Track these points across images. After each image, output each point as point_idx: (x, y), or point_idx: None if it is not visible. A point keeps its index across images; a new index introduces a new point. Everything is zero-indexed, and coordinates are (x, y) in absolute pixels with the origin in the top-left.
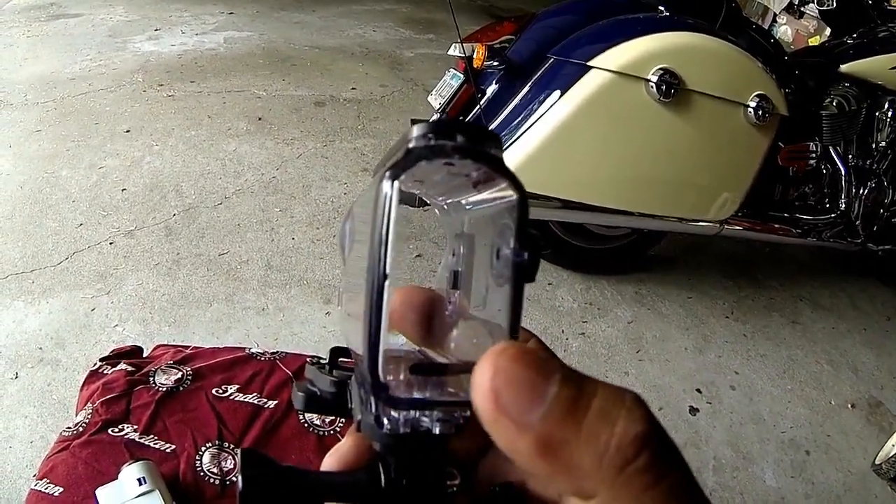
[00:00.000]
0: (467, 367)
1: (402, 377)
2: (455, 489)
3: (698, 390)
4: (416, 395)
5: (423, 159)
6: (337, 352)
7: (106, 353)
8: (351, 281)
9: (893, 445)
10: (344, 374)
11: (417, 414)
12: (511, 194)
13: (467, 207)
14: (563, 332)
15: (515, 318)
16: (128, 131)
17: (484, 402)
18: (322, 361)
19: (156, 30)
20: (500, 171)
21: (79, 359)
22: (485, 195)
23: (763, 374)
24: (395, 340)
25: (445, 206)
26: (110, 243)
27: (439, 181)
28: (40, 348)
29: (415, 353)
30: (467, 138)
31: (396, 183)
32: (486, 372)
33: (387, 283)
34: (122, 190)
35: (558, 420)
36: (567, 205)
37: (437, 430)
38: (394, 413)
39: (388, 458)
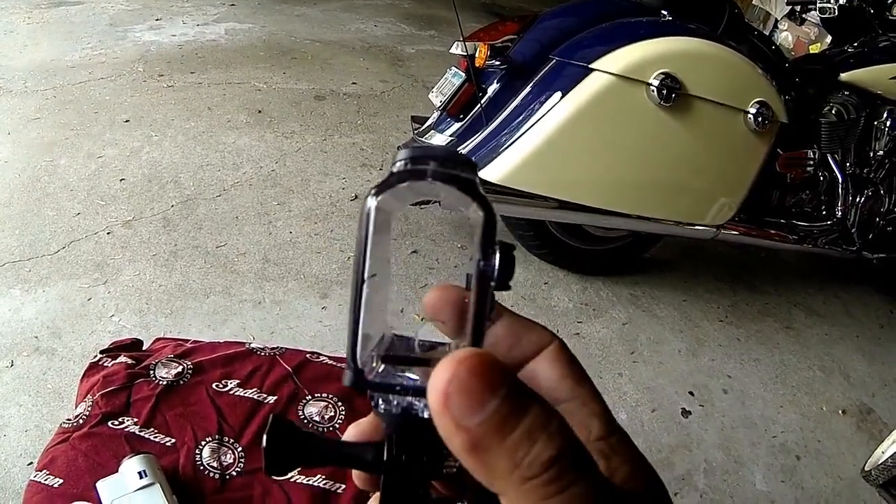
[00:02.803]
0: (433, 362)
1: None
2: (455, 470)
3: (691, 393)
4: (385, 379)
5: (402, 181)
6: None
7: (103, 344)
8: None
9: (883, 452)
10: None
11: (408, 399)
12: (478, 212)
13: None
14: (557, 331)
15: (478, 324)
16: (127, 121)
17: (435, 399)
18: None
19: (157, 19)
20: (468, 192)
21: (74, 348)
22: (453, 208)
23: (756, 379)
24: (426, 329)
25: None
26: (108, 233)
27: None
28: (36, 337)
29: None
30: (439, 164)
31: (376, 200)
32: (444, 375)
33: (365, 285)
34: (121, 180)
35: (490, 430)
36: (565, 205)
37: (425, 415)
38: (392, 398)
39: (393, 436)
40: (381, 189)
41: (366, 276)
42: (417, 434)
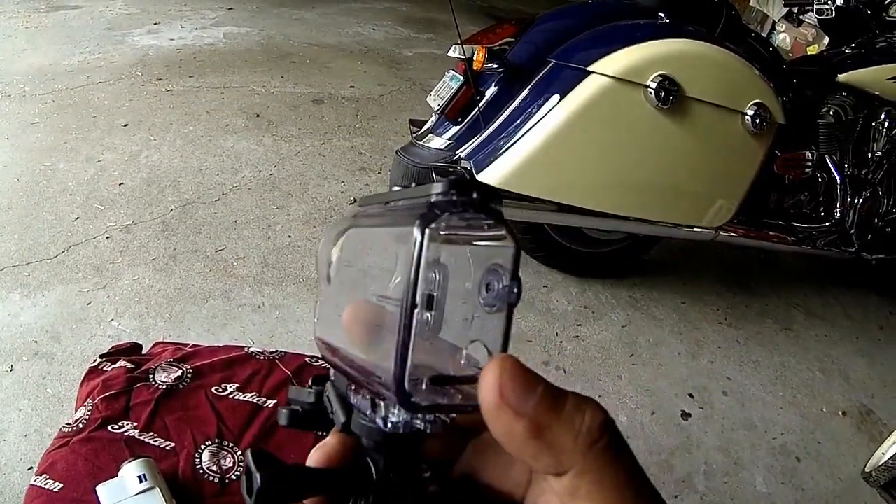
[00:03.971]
0: (473, 379)
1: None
2: (427, 477)
3: (691, 395)
4: (437, 400)
5: (445, 212)
6: (317, 380)
7: (103, 349)
8: (339, 299)
9: (884, 453)
10: (320, 388)
11: (411, 417)
12: (510, 244)
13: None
14: (557, 334)
15: (507, 337)
16: (126, 125)
17: (491, 394)
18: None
19: (155, 24)
20: (504, 225)
21: (74, 352)
22: (478, 238)
23: (755, 381)
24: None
25: None
26: (107, 237)
27: None
28: (35, 341)
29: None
30: (482, 195)
31: (428, 230)
32: (494, 374)
33: (416, 310)
34: (120, 184)
35: (545, 409)
36: (563, 208)
37: (429, 430)
38: (395, 417)
39: (376, 455)
40: (427, 220)
41: (416, 300)
42: (408, 450)
